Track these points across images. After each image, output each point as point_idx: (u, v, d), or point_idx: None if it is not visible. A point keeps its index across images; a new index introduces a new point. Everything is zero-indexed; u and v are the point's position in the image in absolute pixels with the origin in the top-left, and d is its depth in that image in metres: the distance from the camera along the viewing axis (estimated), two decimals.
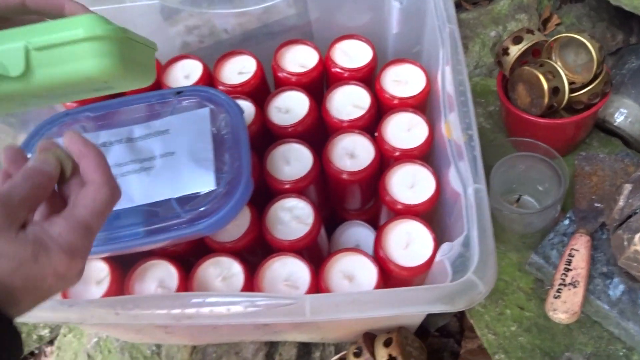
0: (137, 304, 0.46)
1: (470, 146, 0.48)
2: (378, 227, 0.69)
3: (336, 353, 0.73)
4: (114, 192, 0.36)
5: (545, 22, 0.97)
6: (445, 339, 0.77)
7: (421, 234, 0.55)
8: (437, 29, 0.57)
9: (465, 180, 0.49)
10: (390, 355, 0.59)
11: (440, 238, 0.54)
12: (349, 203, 0.67)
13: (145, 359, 0.76)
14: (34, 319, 0.50)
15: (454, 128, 0.52)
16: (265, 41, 0.70)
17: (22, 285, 0.32)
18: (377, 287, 0.53)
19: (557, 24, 0.96)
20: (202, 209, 0.50)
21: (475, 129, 0.49)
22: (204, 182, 0.52)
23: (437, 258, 0.49)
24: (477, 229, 0.45)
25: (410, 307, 0.43)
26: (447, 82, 0.54)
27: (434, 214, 0.60)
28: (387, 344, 0.60)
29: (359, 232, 0.69)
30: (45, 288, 0.33)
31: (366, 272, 0.54)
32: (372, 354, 0.61)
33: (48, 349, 0.86)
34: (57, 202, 0.37)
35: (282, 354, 0.73)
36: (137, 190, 0.53)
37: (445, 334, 0.78)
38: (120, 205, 0.51)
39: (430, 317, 0.74)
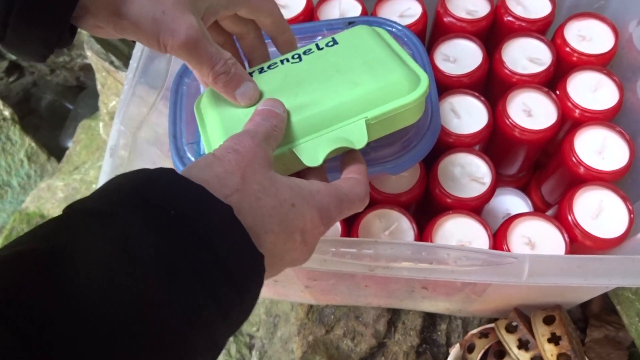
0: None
1: None
2: (530, 196, 0.64)
3: (463, 327, 0.69)
4: (367, 196, 0.36)
5: None
6: None
7: (615, 205, 0.50)
8: None
9: None
10: (553, 334, 0.54)
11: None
12: (507, 167, 0.61)
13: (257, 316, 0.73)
14: None
15: None
16: None
17: (277, 229, 0.29)
18: None
19: None
20: (390, 147, 0.45)
21: None
22: None
23: None
24: None
25: None
26: None
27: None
28: (547, 321, 0.56)
29: (511, 200, 0.64)
30: (289, 248, 0.30)
31: (551, 238, 0.49)
32: (528, 330, 0.56)
33: None
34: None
35: (405, 323, 0.69)
36: None
37: None
38: None
39: None
